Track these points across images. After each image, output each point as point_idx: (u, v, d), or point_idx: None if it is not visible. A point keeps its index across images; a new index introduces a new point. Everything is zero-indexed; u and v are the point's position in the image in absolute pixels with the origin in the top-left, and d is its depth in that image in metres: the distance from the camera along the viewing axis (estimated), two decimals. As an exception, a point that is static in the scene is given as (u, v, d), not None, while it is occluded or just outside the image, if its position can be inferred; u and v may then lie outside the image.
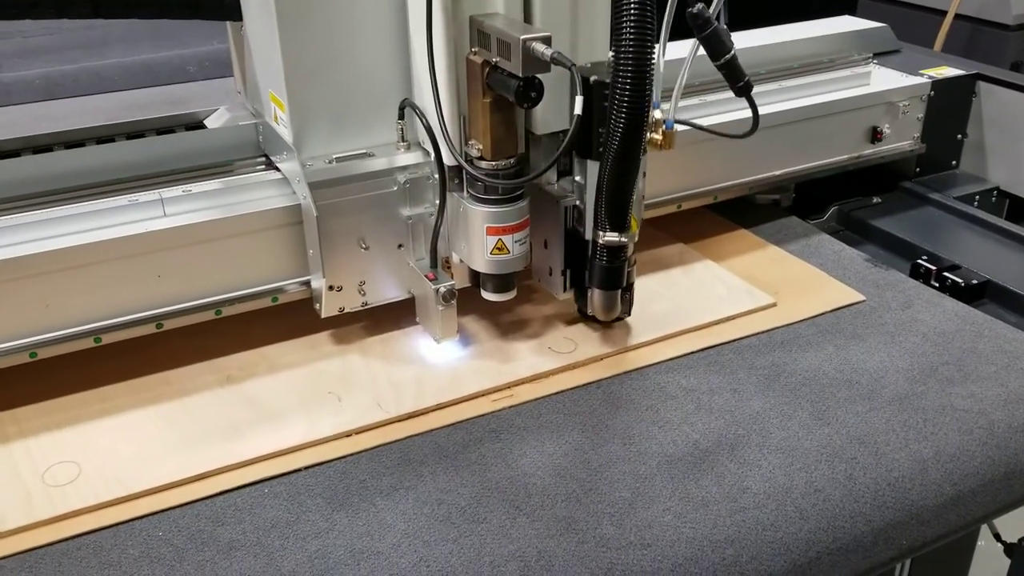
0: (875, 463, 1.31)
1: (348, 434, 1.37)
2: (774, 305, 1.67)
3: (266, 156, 1.61)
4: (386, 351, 1.55)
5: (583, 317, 1.60)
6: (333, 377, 1.49)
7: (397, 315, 1.61)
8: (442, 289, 1.44)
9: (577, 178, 1.47)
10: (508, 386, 1.46)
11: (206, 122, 1.76)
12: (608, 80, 1.31)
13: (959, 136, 2.26)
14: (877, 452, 1.33)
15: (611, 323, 1.58)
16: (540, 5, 1.39)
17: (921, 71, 2.17)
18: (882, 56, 2.27)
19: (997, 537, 1.90)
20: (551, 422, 1.39)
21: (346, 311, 1.51)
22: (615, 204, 1.39)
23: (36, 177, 1.49)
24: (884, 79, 2.12)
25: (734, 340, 1.58)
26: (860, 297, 1.69)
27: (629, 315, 1.56)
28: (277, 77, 1.41)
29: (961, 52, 3.47)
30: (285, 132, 1.46)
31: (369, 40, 1.42)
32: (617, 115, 1.30)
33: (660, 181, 1.73)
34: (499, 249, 1.44)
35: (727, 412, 1.40)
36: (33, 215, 1.43)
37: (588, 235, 1.47)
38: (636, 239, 1.46)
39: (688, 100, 1.55)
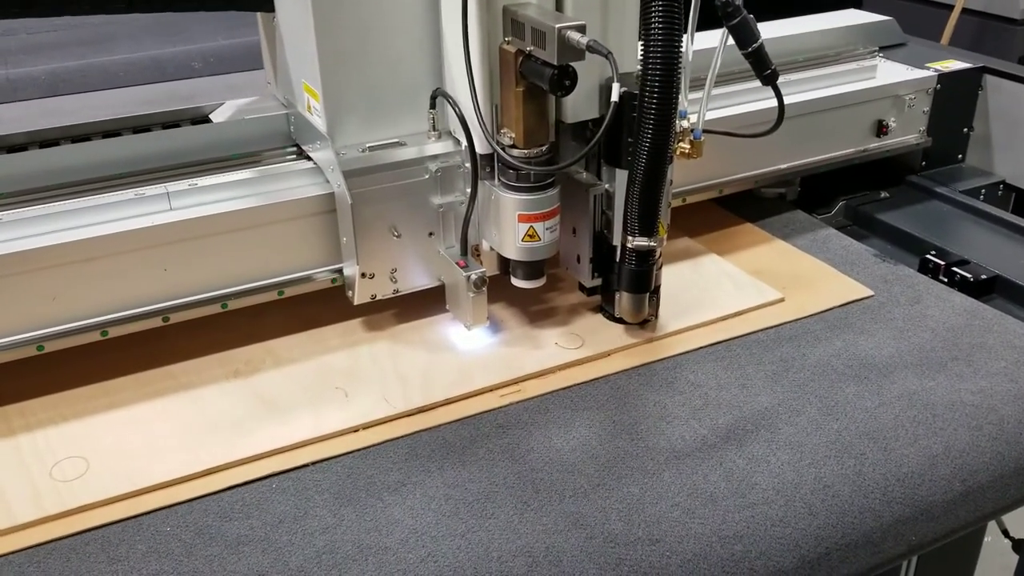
0: (884, 458, 1.30)
1: (355, 429, 1.36)
2: (782, 300, 1.66)
3: (298, 146, 1.63)
4: (394, 345, 1.55)
5: (608, 317, 1.60)
6: (340, 372, 1.49)
7: (402, 311, 1.62)
8: (473, 276, 1.46)
9: (606, 186, 1.49)
10: (515, 381, 1.46)
11: (212, 116, 1.76)
12: (636, 91, 1.34)
13: (965, 130, 2.25)
14: (886, 448, 1.32)
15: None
16: None
17: (927, 64, 2.16)
18: (888, 49, 2.26)
19: (1005, 533, 1.90)
20: (559, 417, 1.39)
21: (377, 298, 1.53)
22: (645, 210, 1.41)
23: (45, 171, 1.50)
24: (890, 72, 2.11)
25: (742, 335, 1.57)
26: (868, 292, 1.68)
27: (656, 317, 1.57)
28: (311, 67, 1.43)
29: (968, 46, 3.45)
30: (319, 121, 1.48)
31: (401, 30, 1.44)
32: (645, 127, 1.34)
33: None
34: (530, 236, 1.46)
35: (735, 407, 1.40)
36: (44, 208, 1.43)
37: (616, 240, 1.49)
38: (664, 243, 1.48)
39: (697, 94, 1.57)
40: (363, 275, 1.49)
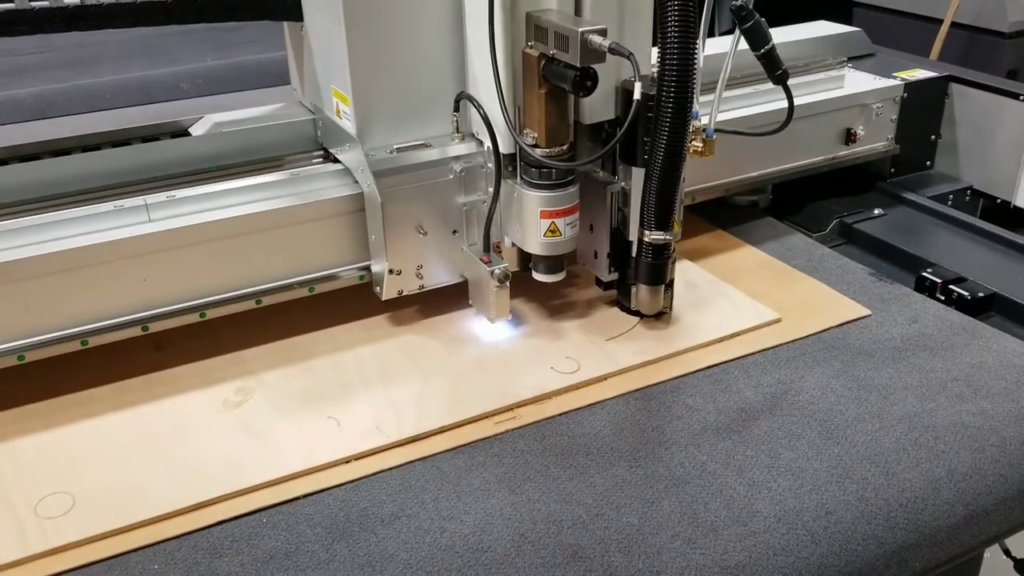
0: (886, 483, 1.28)
1: (347, 460, 1.33)
2: (779, 321, 1.64)
3: (325, 150, 1.70)
4: (386, 372, 1.53)
5: (624, 309, 1.65)
6: (331, 400, 1.46)
7: (394, 331, 1.61)
8: (497, 271, 1.51)
9: (622, 183, 1.55)
10: (511, 408, 1.44)
11: (190, 130, 1.77)
12: (652, 93, 1.40)
13: (933, 137, 2.29)
14: (888, 472, 1.30)
15: (612, 340, 1.59)
16: (590, 1, 1.45)
17: (894, 74, 2.20)
18: (856, 60, 2.31)
19: (1007, 552, 1.88)
20: (555, 445, 1.36)
21: (404, 293, 1.58)
22: (661, 206, 1.47)
23: (26, 184, 1.53)
24: (858, 82, 2.15)
25: (740, 357, 1.55)
26: (866, 312, 1.67)
27: (671, 309, 1.63)
28: (342, 73, 1.50)
29: (958, 60, 3.46)
30: (348, 125, 1.54)
31: (427, 37, 1.51)
32: (661, 126, 1.40)
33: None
34: (552, 232, 1.51)
35: (734, 432, 1.38)
36: (25, 220, 1.45)
37: (632, 236, 1.55)
38: (678, 238, 1.55)
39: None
40: (391, 271, 1.54)
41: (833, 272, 1.81)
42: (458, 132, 1.56)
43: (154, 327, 1.48)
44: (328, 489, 1.29)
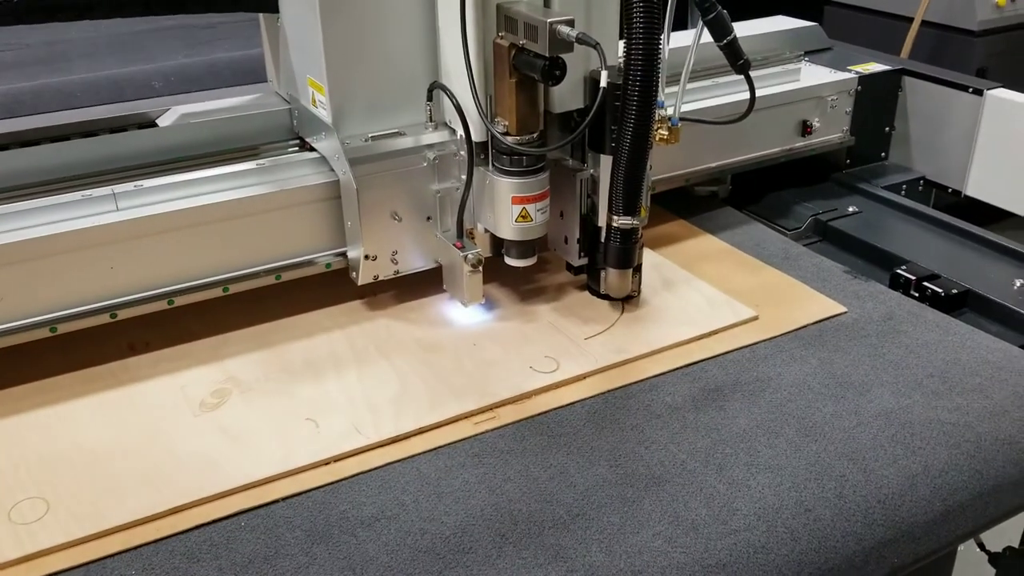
0: (864, 480, 1.29)
1: (326, 462, 1.32)
2: (756, 318, 1.65)
3: (301, 139, 1.73)
4: (363, 370, 1.52)
5: (594, 293, 1.70)
6: (309, 402, 1.45)
7: (369, 316, 1.62)
8: (470, 256, 1.55)
9: (591, 171, 1.60)
10: (490, 408, 1.43)
11: (158, 121, 1.77)
12: (619, 82, 1.45)
13: (887, 129, 2.34)
14: (866, 469, 1.31)
15: (591, 339, 1.59)
16: None
17: (849, 67, 2.25)
18: (813, 54, 2.36)
19: (981, 546, 1.90)
20: (535, 444, 1.36)
21: (380, 279, 1.62)
22: (628, 192, 1.52)
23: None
24: (813, 75, 2.19)
25: (718, 355, 1.56)
26: (842, 309, 1.68)
27: (639, 293, 1.68)
28: (317, 63, 1.53)
29: (928, 58, 3.50)
30: (324, 114, 1.57)
31: (401, 28, 1.54)
32: (628, 114, 1.44)
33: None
34: (523, 217, 1.56)
35: (713, 430, 1.38)
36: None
37: (601, 222, 1.60)
38: (645, 223, 1.60)
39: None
40: (367, 257, 1.58)
41: (808, 269, 1.82)
42: (431, 121, 1.59)
43: (122, 315, 1.50)
44: (307, 491, 1.28)
